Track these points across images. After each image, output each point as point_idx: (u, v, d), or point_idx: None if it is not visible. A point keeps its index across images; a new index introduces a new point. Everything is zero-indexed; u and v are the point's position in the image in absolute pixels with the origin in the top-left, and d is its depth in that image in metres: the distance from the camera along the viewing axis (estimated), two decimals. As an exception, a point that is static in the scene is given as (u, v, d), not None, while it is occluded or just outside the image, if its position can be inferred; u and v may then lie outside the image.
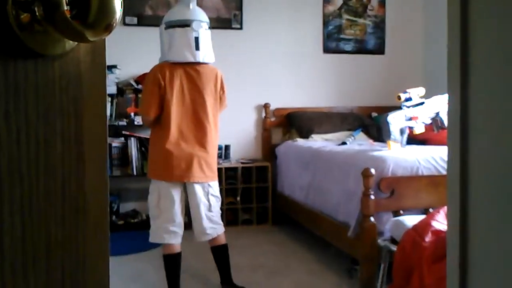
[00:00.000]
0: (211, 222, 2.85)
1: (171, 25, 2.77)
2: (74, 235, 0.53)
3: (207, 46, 2.81)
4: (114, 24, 0.52)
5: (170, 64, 2.77)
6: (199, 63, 2.79)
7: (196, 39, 2.73)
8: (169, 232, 2.78)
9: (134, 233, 4.36)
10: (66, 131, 0.53)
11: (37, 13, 0.51)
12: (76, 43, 0.54)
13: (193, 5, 2.82)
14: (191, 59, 2.74)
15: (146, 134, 4.15)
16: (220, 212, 2.93)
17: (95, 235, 0.54)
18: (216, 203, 2.88)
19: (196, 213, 2.83)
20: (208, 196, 2.83)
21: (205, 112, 2.80)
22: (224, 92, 2.93)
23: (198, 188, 2.79)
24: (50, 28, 0.50)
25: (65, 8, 0.48)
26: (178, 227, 2.80)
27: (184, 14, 2.78)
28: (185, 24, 2.74)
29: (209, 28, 2.87)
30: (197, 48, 2.73)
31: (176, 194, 2.78)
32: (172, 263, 2.83)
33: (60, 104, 0.53)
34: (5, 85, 0.49)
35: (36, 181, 0.51)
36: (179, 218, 2.80)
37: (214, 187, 2.88)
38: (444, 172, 2.97)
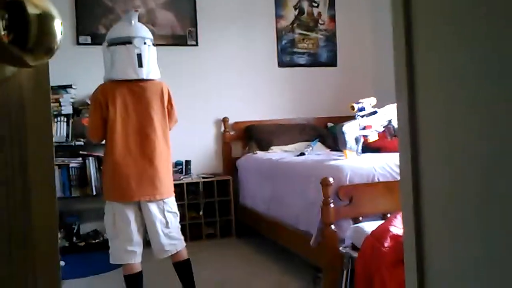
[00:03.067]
0: (169, 238, 2.80)
1: (113, 43, 2.71)
2: (21, 271, 0.50)
3: (151, 63, 2.76)
4: (56, 47, 0.50)
5: (113, 83, 2.72)
6: (143, 80, 2.74)
7: (139, 56, 2.68)
8: (128, 252, 2.72)
9: (95, 254, 4.25)
10: (10, 160, 0.51)
11: (-28, 39, 0.49)
12: (17, 68, 0.52)
13: (134, 22, 2.77)
14: (134, 77, 2.69)
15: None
16: (179, 227, 2.88)
17: (45, 270, 0.52)
18: (174, 219, 2.83)
19: (153, 231, 2.78)
20: (164, 213, 2.77)
21: (153, 128, 2.75)
22: (173, 106, 2.87)
23: (152, 206, 2.74)
24: (-13, 54, 0.49)
25: (2, 32, 0.47)
26: (136, 246, 2.74)
27: (125, 31, 2.73)
28: (127, 41, 2.68)
29: (153, 44, 2.81)
30: (140, 65, 2.68)
31: (131, 214, 2.72)
32: (133, 283, 2.77)
33: (2, 132, 0.51)
34: None
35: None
36: (137, 237, 2.74)
37: (170, 203, 2.82)
38: (399, 178, 3.05)
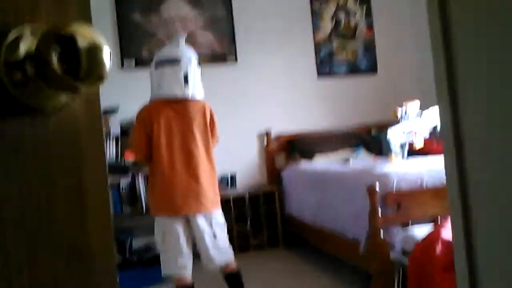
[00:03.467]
0: (218, 250, 2.84)
1: (161, 63, 2.81)
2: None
3: (196, 83, 2.84)
4: (105, 75, 0.53)
5: (157, 102, 2.81)
6: (186, 99, 2.82)
7: (186, 75, 2.77)
8: (178, 265, 2.78)
9: (148, 268, 4.34)
10: (68, 185, 0.53)
11: (28, 72, 0.52)
12: (70, 96, 0.56)
13: (181, 43, 2.88)
14: (180, 95, 2.77)
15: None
16: (227, 239, 2.92)
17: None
18: (222, 231, 2.88)
19: (202, 244, 2.82)
20: (212, 226, 2.83)
21: (196, 145, 2.82)
22: (215, 125, 2.94)
23: (200, 220, 2.80)
24: (43, 85, 0.52)
25: (56, 64, 0.50)
26: (186, 259, 2.80)
27: (172, 53, 2.83)
28: (174, 61, 2.79)
29: (199, 65, 2.90)
30: (186, 84, 2.77)
31: (179, 227, 2.79)
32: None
33: (60, 158, 0.54)
34: (3, 144, 0.50)
35: (41, 239, 0.51)
36: (186, 250, 2.80)
37: (217, 215, 2.87)
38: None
